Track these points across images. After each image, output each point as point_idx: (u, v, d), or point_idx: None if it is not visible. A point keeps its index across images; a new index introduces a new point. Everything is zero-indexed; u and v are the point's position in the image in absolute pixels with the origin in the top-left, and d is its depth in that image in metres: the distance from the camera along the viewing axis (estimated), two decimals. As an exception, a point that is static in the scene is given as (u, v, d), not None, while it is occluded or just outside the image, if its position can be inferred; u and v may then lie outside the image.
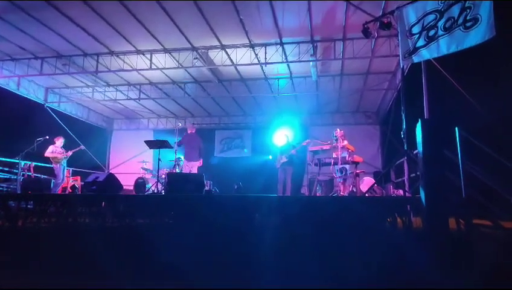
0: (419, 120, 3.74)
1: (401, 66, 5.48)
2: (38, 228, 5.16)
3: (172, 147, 7.95)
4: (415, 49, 4.81)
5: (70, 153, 8.73)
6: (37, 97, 11.04)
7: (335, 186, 8.02)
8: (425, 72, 5.13)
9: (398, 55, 5.17)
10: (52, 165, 8.64)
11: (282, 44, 8.32)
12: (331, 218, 3.87)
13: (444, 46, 4.47)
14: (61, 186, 8.73)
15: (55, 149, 8.55)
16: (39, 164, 9.31)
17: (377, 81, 9.97)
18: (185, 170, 8.32)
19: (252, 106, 12.62)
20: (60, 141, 8.67)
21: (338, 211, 3.99)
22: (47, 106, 11.32)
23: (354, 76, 9.98)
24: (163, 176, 9.08)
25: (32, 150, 8.33)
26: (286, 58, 8.77)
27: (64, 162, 8.69)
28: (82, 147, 9.22)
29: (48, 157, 8.51)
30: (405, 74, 6.25)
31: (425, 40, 4.68)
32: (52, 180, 8.87)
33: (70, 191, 9.18)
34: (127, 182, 10.86)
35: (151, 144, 7.93)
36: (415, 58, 4.85)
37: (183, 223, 4.88)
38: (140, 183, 9.65)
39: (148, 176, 10.30)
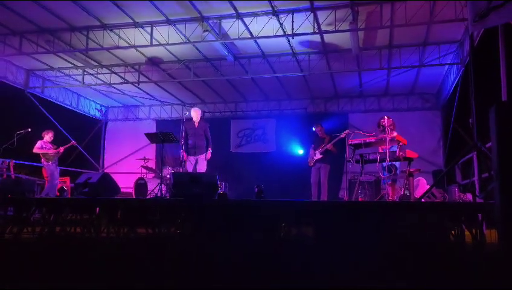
0: (494, 104, 3.59)
1: (470, 33, 5.29)
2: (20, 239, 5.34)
3: (178, 141, 8.03)
4: (490, 10, 4.59)
5: (62, 149, 8.99)
6: (15, 81, 11.30)
7: (382, 189, 7.89)
8: (503, 41, 4.93)
9: (467, 19, 4.98)
10: (41, 164, 8.89)
11: (313, 9, 8.20)
12: (378, 230, 3.79)
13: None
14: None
15: (45, 145, 8.81)
16: (21, 162, 9.64)
17: (438, 54, 9.69)
18: (189, 168, 8.00)
19: (276, 88, 12.54)
20: (49, 136, 8.93)
21: (385, 220, 3.91)
22: (28, 92, 11.64)
23: (406, 48, 9.74)
24: (167, 176, 9.29)
25: (12, 145, 8.50)
26: (319, 28, 8.66)
27: (56, 160, 8.97)
28: (74, 142, 9.47)
29: (37, 155, 8.77)
30: (475, 43, 6.02)
31: (504, -4, 4.46)
32: (37, 182, 9.17)
33: (58, 194, 9.47)
34: (125, 183, 11.15)
35: (153, 137, 8.05)
36: (490, 22, 4.64)
37: (193, 235, 4.92)
38: (141, 185, 9.86)
39: (150, 176, 10.51)
